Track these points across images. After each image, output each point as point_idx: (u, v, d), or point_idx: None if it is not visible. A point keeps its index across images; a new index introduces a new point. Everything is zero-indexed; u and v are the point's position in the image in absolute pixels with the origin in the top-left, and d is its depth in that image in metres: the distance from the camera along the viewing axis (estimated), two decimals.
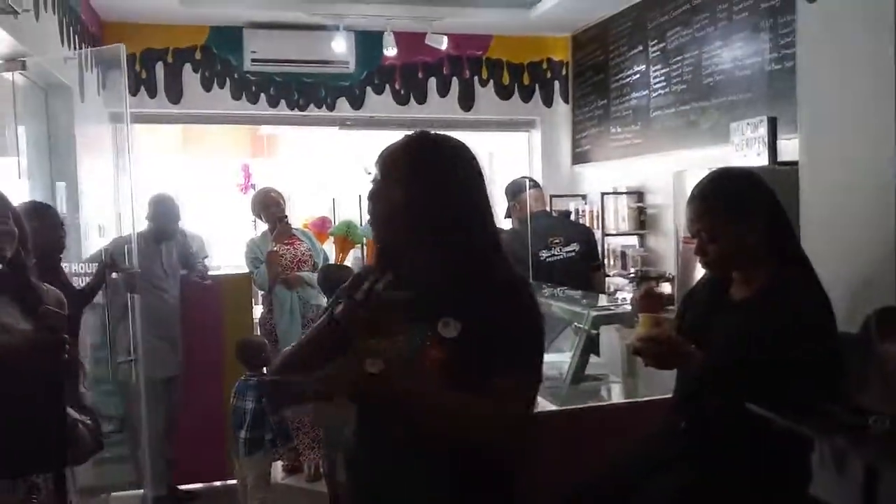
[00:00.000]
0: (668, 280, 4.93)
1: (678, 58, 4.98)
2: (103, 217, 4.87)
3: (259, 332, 4.61)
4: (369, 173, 1.58)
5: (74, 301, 3.41)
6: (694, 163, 4.41)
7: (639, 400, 2.76)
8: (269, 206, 4.71)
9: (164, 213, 4.21)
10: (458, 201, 1.47)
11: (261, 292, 4.75)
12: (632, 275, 5.23)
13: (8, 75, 3.70)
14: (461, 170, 1.51)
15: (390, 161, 1.49)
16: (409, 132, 1.56)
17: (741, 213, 1.93)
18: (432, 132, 1.55)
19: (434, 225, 1.45)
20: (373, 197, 1.51)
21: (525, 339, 1.44)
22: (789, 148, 3.59)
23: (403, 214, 1.46)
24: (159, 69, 5.81)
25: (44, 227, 3.25)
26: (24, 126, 3.93)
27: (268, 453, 3.66)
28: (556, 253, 3.88)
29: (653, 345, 1.87)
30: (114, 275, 3.69)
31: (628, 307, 3.10)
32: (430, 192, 1.45)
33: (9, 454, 1.72)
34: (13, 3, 3.13)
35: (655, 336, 1.87)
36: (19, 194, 3.71)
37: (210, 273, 4.55)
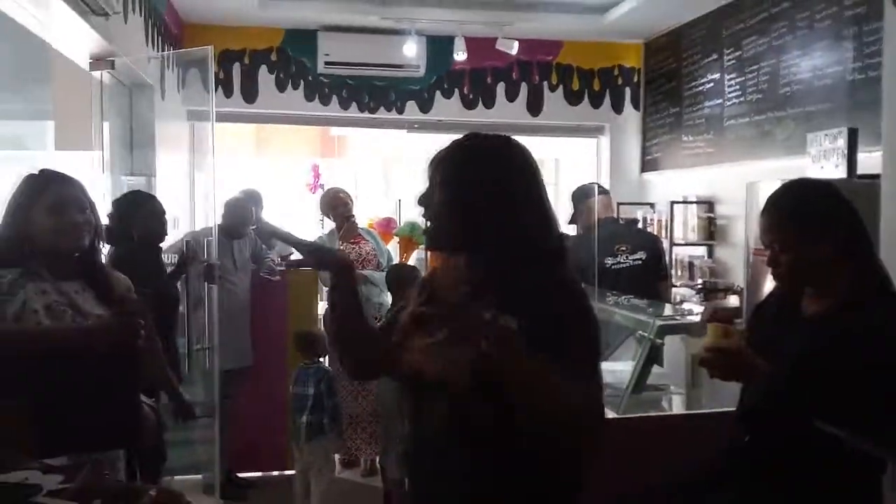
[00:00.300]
0: (735, 292, 4.82)
1: (754, 66, 4.87)
2: (179, 210, 5.04)
3: (322, 327, 4.71)
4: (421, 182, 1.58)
5: (167, 284, 3.57)
6: (767, 174, 4.30)
7: (702, 412, 2.71)
8: (337, 205, 4.80)
9: (233, 213, 4.37)
10: (508, 202, 1.44)
11: (325, 289, 4.84)
12: (699, 286, 5.13)
13: (97, 74, 3.87)
14: (511, 169, 1.47)
15: (438, 164, 1.49)
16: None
17: (816, 224, 1.88)
18: (483, 133, 1.53)
19: (485, 227, 1.43)
20: (422, 201, 1.51)
21: (582, 340, 1.41)
22: (869, 161, 3.47)
23: (451, 217, 1.45)
24: (236, 70, 5.97)
25: (148, 215, 3.44)
26: (108, 122, 4.10)
27: (329, 437, 3.79)
28: (622, 261, 3.84)
29: (721, 356, 1.83)
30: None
31: (694, 318, 3.05)
32: (478, 193, 1.43)
33: (83, 431, 1.80)
34: (105, 5, 3.27)
35: (724, 347, 1.83)
36: (100, 187, 3.88)
37: (281, 266, 4.64)
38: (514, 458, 1.37)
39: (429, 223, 1.51)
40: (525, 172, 1.49)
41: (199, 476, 4.25)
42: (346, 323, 1.58)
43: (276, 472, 4.53)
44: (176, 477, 4.06)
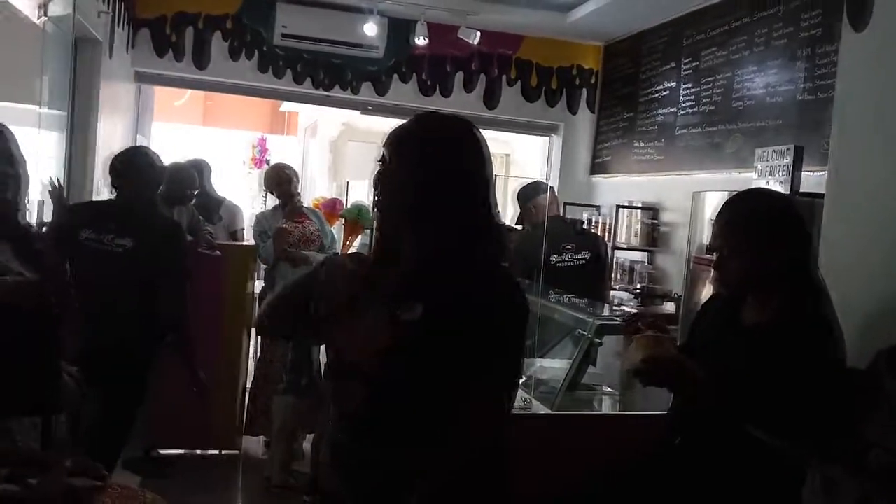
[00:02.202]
0: (672, 299, 4.90)
1: (710, 78, 4.94)
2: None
3: (258, 306, 4.61)
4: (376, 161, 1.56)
5: None
6: (713, 185, 4.37)
7: (635, 413, 2.73)
8: (282, 182, 4.69)
9: (175, 179, 4.20)
10: (460, 186, 1.44)
11: (263, 266, 4.74)
12: (637, 290, 5.19)
13: (39, 23, 3.68)
14: (467, 154, 1.47)
15: (395, 141, 1.47)
16: None
17: (768, 234, 1.90)
18: (443, 113, 1.53)
19: (430, 206, 1.42)
20: (378, 177, 1.48)
21: (499, 332, 1.40)
22: (811, 180, 3.56)
23: (404, 195, 1.44)
24: (188, 34, 5.79)
25: (142, 167, 3.19)
26: (48, 76, 3.92)
27: (298, 400, 3.88)
28: (566, 259, 3.86)
29: (657, 365, 1.83)
30: None
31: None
32: (431, 172, 1.43)
33: None
34: None
35: (658, 356, 1.84)
36: (35, 143, 3.70)
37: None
38: (430, 438, 1.36)
39: (379, 198, 1.48)
40: (480, 160, 1.49)
41: None
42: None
43: (198, 451, 4.41)
44: None
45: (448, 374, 1.29)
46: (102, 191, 4.63)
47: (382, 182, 1.47)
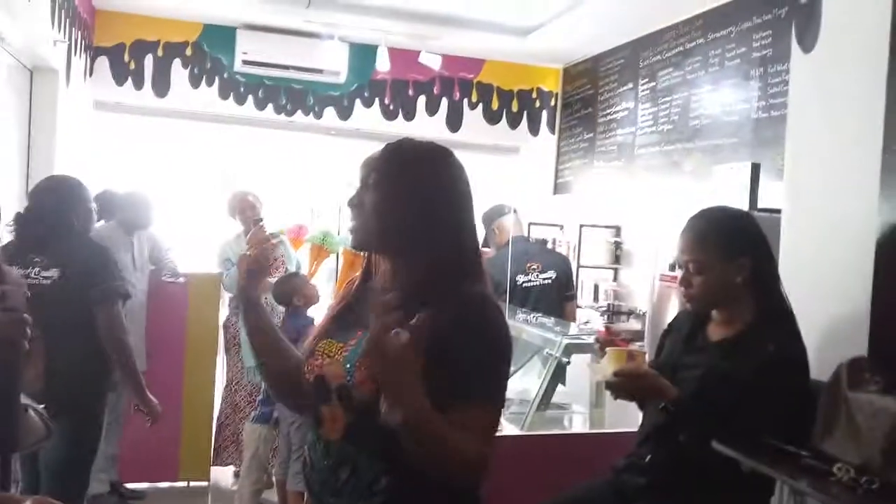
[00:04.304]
0: (638, 316, 4.96)
1: (667, 98, 5.04)
2: None
3: (223, 335, 4.55)
4: (349, 185, 1.55)
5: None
6: (674, 203, 4.45)
7: (604, 431, 2.75)
8: (245, 208, 4.65)
9: (133, 204, 4.13)
10: (440, 210, 1.44)
11: (228, 294, 4.68)
12: (603, 308, 5.24)
13: None
14: (443, 178, 1.47)
15: (372, 165, 1.46)
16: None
17: (730, 248, 1.95)
18: (419, 139, 1.51)
19: (413, 232, 1.41)
20: (352, 202, 1.47)
21: (481, 358, 1.36)
22: (768, 195, 3.64)
23: (380, 219, 1.42)
24: (148, 61, 5.75)
25: (56, 193, 3.01)
26: (4, 106, 3.86)
27: (270, 429, 3.81)
28: (532, 279, 3.88)
29: (629, 379, 1.86)
30: None
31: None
32: (411, 197, 1.42)
33: None
34: None
35: (631, 371, 1.86)
36: None
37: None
38: (414, 470, 1.34)
39: (355, 223, 1.47)
40: (459, 185, 1.49)
41: None
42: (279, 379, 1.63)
43: (166, 484, 4.33)
44: None
45: (434, 398, 1.26)
46: None
47: (358, 206, 1.46)
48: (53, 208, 2.93)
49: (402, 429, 1.21)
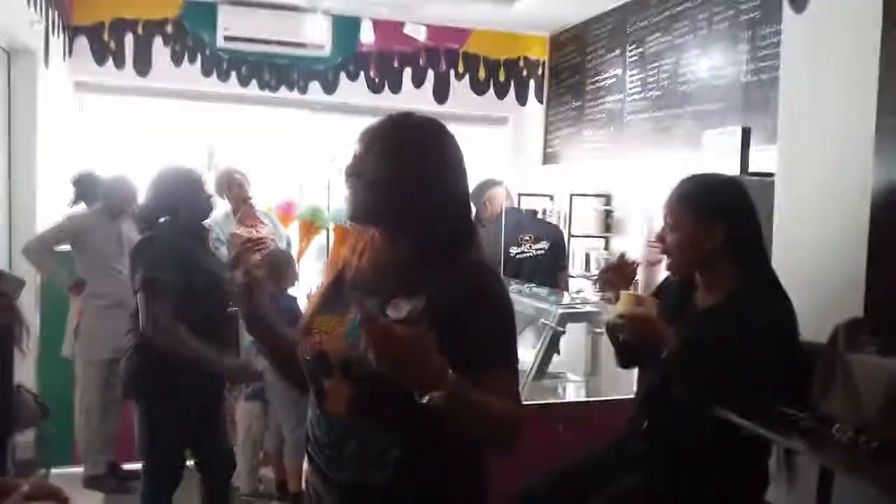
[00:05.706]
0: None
1: (655, 63, 5.00)
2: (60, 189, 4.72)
3: None
4: (333, 161, 1.55)
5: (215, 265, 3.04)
6: (665, 169, 4.43)
7: (602, 399, 2.76)
8: (232, 186, 4.61)
9: (115, 188, 4.07)
10: (437, 181, 1.44)
11: None
12: (595, 277, 5.24)
13: None
14: (445, 151, 1.48)
15: (373, 136, 1.46)
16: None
17: (705, 213, 1.95)
18: (417, 113, 1.52)
19: (411, 203, 1.42)
20: (351, 172, 1.46)
21: (494, 326, 1.39)
22: (760, 159, 3.62)
23: (380, 190, 1.42)
24: (128, 40, 5.65)
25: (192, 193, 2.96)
26: None
27: (263, 405, 3.82)
28: (525, 250, 3.88)
29: (636, 322, 1.87)
30: None
31: (592, 308, 3.10)
32: (412, 169, 1.42)
33: None
34: None
35: (640, 314, 1.87)
36: None
37: None
38: (421, 440, 1.35)
39: (353, 193, 1.45)
40: (455, 157, 1.50)
41: (80, 468, 4.03)
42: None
43: None
44: (54, 470, 3.82)
45: (456, 371, 1.25)
46: (52, 207, 4.50)
47: (357, 176, 1.45)
48: None
49: (450, 407, 1.21)
